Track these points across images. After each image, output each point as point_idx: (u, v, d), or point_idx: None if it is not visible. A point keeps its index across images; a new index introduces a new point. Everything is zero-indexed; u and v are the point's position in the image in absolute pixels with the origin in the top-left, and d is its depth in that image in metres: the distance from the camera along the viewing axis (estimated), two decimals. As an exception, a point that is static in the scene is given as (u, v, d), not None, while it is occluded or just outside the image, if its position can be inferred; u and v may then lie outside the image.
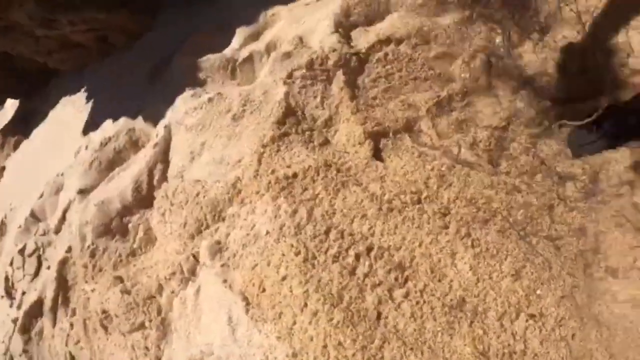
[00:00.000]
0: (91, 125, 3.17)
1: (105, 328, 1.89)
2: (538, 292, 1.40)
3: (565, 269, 1.48)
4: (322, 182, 1.43)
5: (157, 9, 3.33)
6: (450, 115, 1.79)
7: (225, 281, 1.47)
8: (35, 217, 3.15)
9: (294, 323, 1.34)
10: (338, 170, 1.44)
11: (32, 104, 5.45)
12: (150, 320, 1.72)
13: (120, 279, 1.94)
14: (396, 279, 1.39)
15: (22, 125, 5.50)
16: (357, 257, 1.43)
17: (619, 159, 1.72)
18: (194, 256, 1.53)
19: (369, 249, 1.45)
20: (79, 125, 3.44)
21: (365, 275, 1.39)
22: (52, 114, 4.44)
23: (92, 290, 2.01)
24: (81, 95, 3.87)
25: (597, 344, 1.41)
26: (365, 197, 1.41)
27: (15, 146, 5.15)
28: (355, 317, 1.35)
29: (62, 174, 3.06)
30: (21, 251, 2.97)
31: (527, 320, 1.38)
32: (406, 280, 1.34)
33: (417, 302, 1.28)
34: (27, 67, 4.72)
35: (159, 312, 1.72)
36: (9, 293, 3.06)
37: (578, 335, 1.40)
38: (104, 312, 1.89)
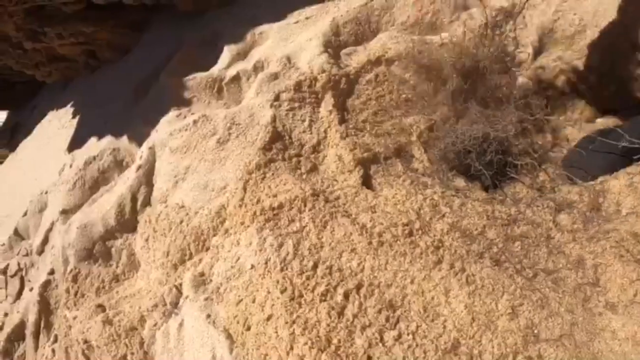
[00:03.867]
0: (76, 142, 3.12)
1: (87, 358, 1.81)
2: (535, 331, 1.33)
3: (564, 305, 1.40)
4: (309, 214, 1.35)
5: (145, 25, 3.28)
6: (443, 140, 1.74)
7: (208, 316, 1.41)
8: (18, 235, 3.08)
9: None
10: (326, 200, 1.37)
11: (19, 117, 5.44)
12: (133, 354, 1.66)
13: (102, 308, 1.87)
14: (387, 319, 1.28)
15: (8, 138, 5.49)
16: (346, 295, 1.35)
17: (617, 185, 1.66)
18: (177, 288, 1.45)
19: (359, 287, 1.38)
20: (63, 141, 3.42)
21: (355, 316, 1.28)
22: (38, 129, 4.45)
23: (74, 318, 1.92)
24: (67, 110, 3.89)
25: (597, 385, 1.36)
26: (354, 230, 1.34)
27: (1, 160, 5.16)
28: (344, 362, 1.29)
29: (46, 192, 2.98)
30: (3, 271, 2.87)
31: (524, 364, 1.32)
32: (397, 321, 1.26)
33: (409, 346, 1.21)
34: (14, 80, 4.71)
35: (141, 344, 1.67)
36: None
37: (577, 379, 1.34)
38: (85, 341, 1.82)
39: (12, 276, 2.85)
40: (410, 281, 1.38)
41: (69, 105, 3.88)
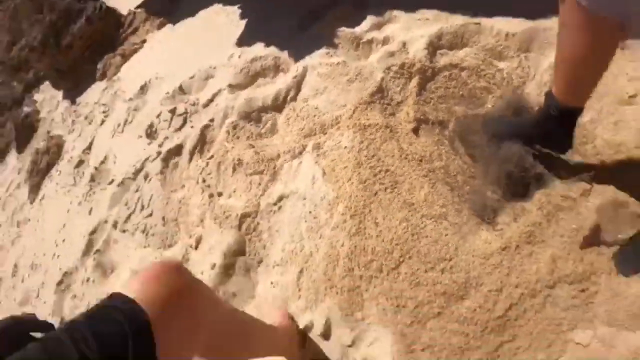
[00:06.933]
0: (243, 40, 4.22)
1: (234, 169, 2.89)
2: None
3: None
4: (380, 134, 2.31)
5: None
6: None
7: (316, 162, 2.46)
8: (182, 90, 4.25)
9: (341, 185, 2.30)
10: (391, 130, 2.33)
11: None
12: (267, 171, 2.76)
13: (252, 146, 3.01)
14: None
15: (166, 12, 6.29)
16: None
17: None
18: (303, 146, 2.60)
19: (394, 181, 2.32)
20: (231, 35, 4.44)
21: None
22: (203, 14, 5.40)
23: (232, 148, 3.10)
24: (235, 10, 4.85)
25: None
26: (399, 148, 2.30)
27: (159, 27, 6.15)
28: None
29: (214, 67, 4.14)
30: (172, 110, 4.10)
31: None
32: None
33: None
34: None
35: (274, 167, 2.73)
36: (150, 135, 4.19)
37: None
38: (238, 159, 2.94)
39: (178, 115, 4.03)
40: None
41: (237, 7, 4.84)
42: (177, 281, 1.20)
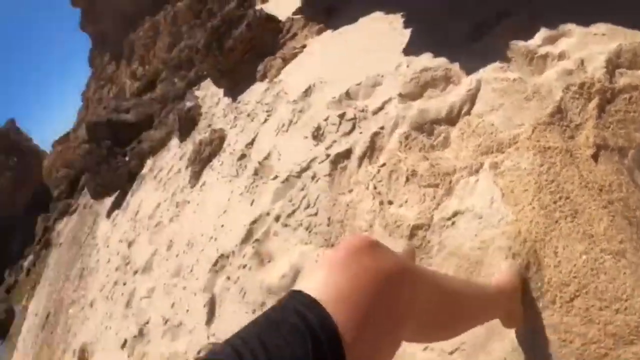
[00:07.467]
0: (411, 49, 4.34)
1: (407, 179, 2.91)
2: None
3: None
4: (560, 158, 2.28)
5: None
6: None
7: (495, 182, 2.45)
8: (349, 96, 4.49)
9: (521, 208, 2.25)
10: (570, 155, 2.29)
11: (332, 2, 6.70)
12: (442, 185, 2.77)
13: (426, 158, 3.11)
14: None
15: (325, 17, 6.78)
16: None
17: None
18: (480, 164, 2.67)
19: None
20: (396, 43, 4.60)
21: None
22: (363, 21, 5.65)
23: (405, 158, 3.10)
24: (398, 18, 5.00)
25: None
26: (577, 176, 2.28)
27: (318, 33, 6.57)
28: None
29: (382, 75, 4.33)
30: (341, 115, 4.31)
31: None
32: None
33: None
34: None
35: (450, 182, 2.75)
36: (316, 137, 4.30)
37: None
38: (412, 170, 2.93)
39: (347, 120, 4.22)
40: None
41: (400, 15, 5.00)
42: (374, 265, 0.98)
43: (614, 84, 2.63)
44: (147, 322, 4.78)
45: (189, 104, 9.19)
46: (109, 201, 11.30)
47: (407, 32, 4.51)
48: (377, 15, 5.28)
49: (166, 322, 4.35)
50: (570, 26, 3.21)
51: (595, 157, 2.40)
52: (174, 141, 9.36)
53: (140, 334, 4.72)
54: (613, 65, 2.69)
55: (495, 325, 1.93)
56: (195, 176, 7.09)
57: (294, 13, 7.54)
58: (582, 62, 2.94)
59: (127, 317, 5.38)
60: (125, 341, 4.92)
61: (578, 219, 2.12)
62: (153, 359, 4.19)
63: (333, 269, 0.97)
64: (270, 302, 3.06)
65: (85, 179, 12.86)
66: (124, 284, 6.33)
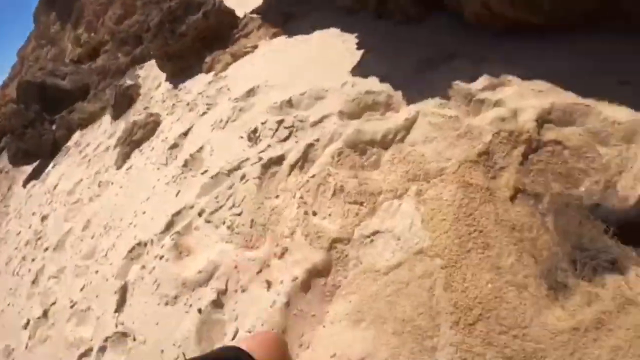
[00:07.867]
0: (359, 70, 4.42)
1: (334, 193, 3.03)
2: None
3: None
4: (480, 195, 2.51)
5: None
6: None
7: (417, 208, 2.57)
8: (290, 104, 4.53)
9: (438, 235, 2.60)
10: (490, 193, 2.41)
11: (291, 8, 6.72)
12: (367, 203, 2.88)
13: (356, 176, 3.12)
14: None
15: (282, 22, 6.75)
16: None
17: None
18: (405, 189, 2.74)
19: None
20: (346, 62, 4.70)
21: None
22: (319, 35, 5.71)
23: (336, 173, 3.18)
24: (352, 39, 5.10)
25: None
26: (493, 213, 2.46)
27: (273, 37, 6.54)
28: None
29: (326, 90, 4.41)
30: (279, 122, 4.34)
31: None
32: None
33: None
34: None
35: (374, 202, 2.86)
36: (251, 139, 4.32)
37: None
38: (341, 185, 3.04)
39: (285, 127, 4.26)
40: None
41: (354, 35, 5.14)
42: (285, 352, 1.66)
43: (540, 136, 2.78)
44: (54, 304, 4.62)
45: (129, 81, 8.98)
46: (28, 169, 10.84)
47: (359, 54, 4.62)
48: (333, 31, 5.38)
49: (73, 306, 4.23)
50: (511, 77, 3.36)
51: (512, 198, 2.57)
52: (106, 117, 9.12)
53: (45, 315, 4.57)
54: (543, 119, 2.84)
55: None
56: (123, 158, 6.92)
57: (253, 12, 7.51)
58: (515, 112, 2.98)
59: (32, 296, 5.23)
60: (28, 321, 4.74)
61: (489, 252, 2.30)
62: (56, 344, 4.03)
63: (263, 343, 1.54)
64: (184, 296, 3.17)
65: (5, 141, 12.24)
66: (33, 260, 6.11)
